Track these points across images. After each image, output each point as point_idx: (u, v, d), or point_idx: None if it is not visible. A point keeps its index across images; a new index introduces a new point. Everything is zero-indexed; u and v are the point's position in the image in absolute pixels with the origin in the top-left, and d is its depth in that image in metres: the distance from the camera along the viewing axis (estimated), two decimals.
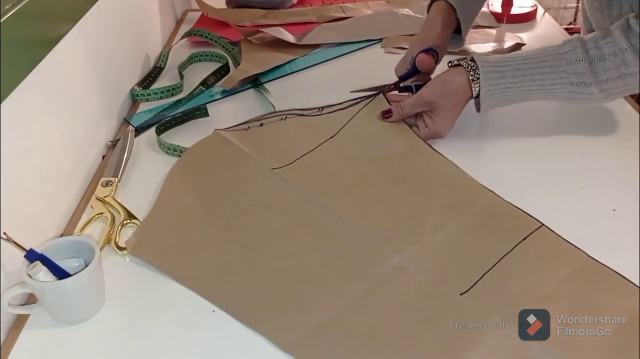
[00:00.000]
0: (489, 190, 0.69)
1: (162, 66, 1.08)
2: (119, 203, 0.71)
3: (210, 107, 0.90)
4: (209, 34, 1.13)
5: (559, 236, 0.62)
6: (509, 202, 0.67)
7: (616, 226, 0.64)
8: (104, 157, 0.83)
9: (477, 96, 0.75)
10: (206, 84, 1.00)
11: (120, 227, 0.67)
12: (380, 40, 1.14)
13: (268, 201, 0.70)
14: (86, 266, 0.55)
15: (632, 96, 0.87)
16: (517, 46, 1.07)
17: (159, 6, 1.21)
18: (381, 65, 1.03)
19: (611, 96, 0.73)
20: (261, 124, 0.85)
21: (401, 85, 0.84)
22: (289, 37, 1.13)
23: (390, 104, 0.81)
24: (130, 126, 0.89)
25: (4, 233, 0.53)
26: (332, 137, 0.80)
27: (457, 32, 0.87)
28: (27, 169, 0.64)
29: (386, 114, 0.80)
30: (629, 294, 0.55)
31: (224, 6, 1.34)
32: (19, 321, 0.57)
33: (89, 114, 0.82)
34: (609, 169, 0.74)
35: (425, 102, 0.77)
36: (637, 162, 0.73)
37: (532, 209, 0.65)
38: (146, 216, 0.69)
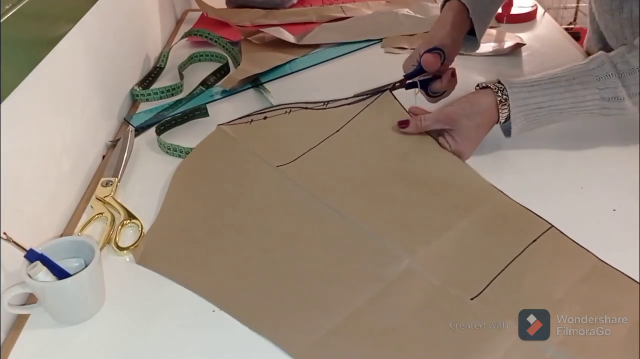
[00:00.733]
0: (498, 190, 0.68)
1: (162, 66, 1.08)
2: (119, 203, 0.71)
3: (210, 107, 0.90)
4: (209, 34, 1.13)
5: (569, 237, 0.61)
6: (518, 203, 0.66)
7: (616, 226, 0.64)
8: (104, 157, 0.83)
9: (505, 120, 0.73)
10: (206, 84, 1.00)
11: (120, 227, 0.67)
12: (380, 40, 1.14)
13: (276, 203, 0.70)
14: (86, 266, 0.55)
15: None
16: (517, 46, 1.07)
17: (159, 6, 1.21)
18: (381, 65, 1.03)
19: None
20: (265, 117, 0.85)
21: (407, 82, 0.84)
22: (289, 37, 1.13)
23: (408, 112, 0.79)
24: (130, 126, 0.89)
25: (4, 233, 0.53)
26: (337, 131, 0.79)
27: (472, 33, 0.85)
28: (27, 169, 0.64)
29: (402, 125, 0.77)
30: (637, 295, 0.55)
31: (224, 6, 1.34)
32: (19, 321, 0.57)
33: (89, 114, 0.82)
34: (609, 169, 0.73)
35: (447, 119, 0.74)
36: (637, 162, 0.73)
37: (532, 209, 0.65)
38: (152, 224, 0.68)
